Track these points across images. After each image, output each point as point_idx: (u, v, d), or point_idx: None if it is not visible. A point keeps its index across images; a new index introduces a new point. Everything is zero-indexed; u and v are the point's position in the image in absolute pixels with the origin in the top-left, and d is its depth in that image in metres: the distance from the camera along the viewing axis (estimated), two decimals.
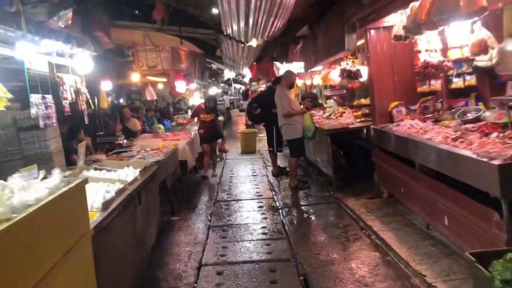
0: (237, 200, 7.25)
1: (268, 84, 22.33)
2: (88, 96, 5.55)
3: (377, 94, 6.08)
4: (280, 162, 9.56)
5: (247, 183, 8.51)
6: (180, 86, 8.66)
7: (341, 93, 9.84)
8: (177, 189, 7.52)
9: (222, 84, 34.60)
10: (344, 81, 7.96)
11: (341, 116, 8.23)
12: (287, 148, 8.26)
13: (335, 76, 7.73)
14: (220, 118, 16.80)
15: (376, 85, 6.07)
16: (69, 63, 4.88)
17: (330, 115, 8.77)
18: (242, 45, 6.34)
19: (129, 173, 4.93)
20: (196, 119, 9.67)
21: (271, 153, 9.15)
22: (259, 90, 32.50)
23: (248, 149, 12.88)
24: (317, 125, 7.42)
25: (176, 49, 8.34)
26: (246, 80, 15.90)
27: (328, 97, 10.43)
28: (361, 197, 6.39)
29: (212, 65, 14.95)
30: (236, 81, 20.22)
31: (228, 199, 7.35)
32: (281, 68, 12.96)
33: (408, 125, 5.31)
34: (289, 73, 7.68)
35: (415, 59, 5.89)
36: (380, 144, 5.80)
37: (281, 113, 7.44)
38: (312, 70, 10.49)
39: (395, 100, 6.04)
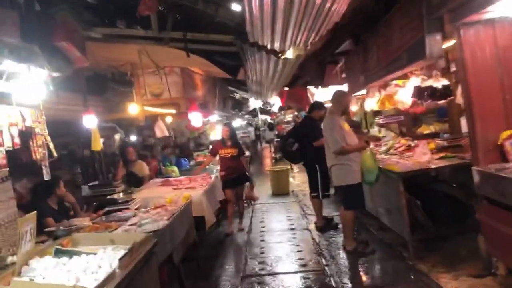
0: (274, 274, 5.20)
1: (301, 112, 20.47)
2: (49, 139, 3.71)
3: (478, 120, 4.05)
4: (324, 211, 7.51)
5: (285, 243, 6.46)
6: (196, 118, 6.83)
7: (399, 120, 7.83)
8: (191, 256, 5.57)
9: (247, 116, 33.00)
10: (419, 103, 5.91)
11: (407, 151, 6.19)
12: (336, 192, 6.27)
13: (405, 96, 5.72)
14: (246, 153, 14.98)
15: (477, 107, 4.04)
16: (6, 88, 3.09)
17: (388, 149, 6.74)
18: (275, 57, 4.50)
19: (103, 263, 3.01)
20: (217, 157, 7.82)
21: (314, 199, 7.12)
22: (285, 120, 30.63)
23: (280, 191, 10.88)
24: (382, 166, 5.40)
25: (189, 73, 6.58)
26: (275, 109, 14.00)
27: (381, 126, 8.40)
28: (459, 273, 4.27)
29: (236, 94, 13.19)
30: (263, 111, 18.35)
31: (261, 272, 5.32)
32: (316, 93, 11.04)
33: None
34: (341, 94, 5.73)
35: None
36: (492, 194, 3.74)
37: (333, 149, 5.47)
38: (357, 94, 8.56)
39: (508, 128, 4.01)
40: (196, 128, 10.21)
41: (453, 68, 5.50)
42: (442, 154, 5.38)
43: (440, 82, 4.92)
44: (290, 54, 4.40)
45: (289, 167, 11.34)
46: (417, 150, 5.30)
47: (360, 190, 5.49)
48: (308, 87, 10.83)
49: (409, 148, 6.29)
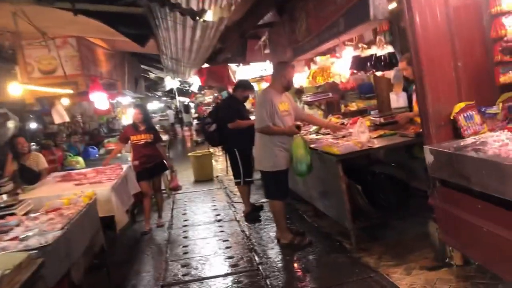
0: (200, 280, 4.44)
1: (223, 92, 19.55)
2: None
3: (430, 91, 3.53)
4: (252, 197, 6.87)
5: (211, 239, 5.71)
6: (100, 99, 5.74)
7: (328, 97, 7.33)
8: (100, 264, 4.62)
9: (165, 98, 31.39)
10: (360, 75, 5.34)
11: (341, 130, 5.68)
12: None
13: (342, 68, 5.11)
14: (164, 138, 13.87)
15: (428, 76, 3.52)
16: None
17: (319, 129, 6.21)
18: (193, 20, 3.63)
19: None
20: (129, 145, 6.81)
21: (239, 186, 6.46)
22: (205, 102, 29.53)
23: (204, 176, 10.07)
24: (318, 148, 4.80)
25: (88, 45, 5.46)
26: (194, 89, 12.99)
27: (308, 104, 7.86)
28: (411, 265, 3.80)
29: (150, 73, 12.02)
30: (181, 92, 17.18)
31: (185, 278, 4.51)
32: (238, 71, 10.32)
33: (501, 140, 2.89)
34: (282, 66, 4.97)
35: (495, 28, 3.47)
36: (449, 176, 3.27)
37: (256, 126, 4.79)
38: None
39: (461, 101, 3.56)
40: (103, 112, 8.98)
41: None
42: (381, 132, 4.91)
43: (384, 50, 4.39)
44: (210, 16, 3.57)
45: (212, 150, 10.54)
46: (355, 129, 4.76)
47: (283, 178, 4.85)
48: (229, 64, 10.06)
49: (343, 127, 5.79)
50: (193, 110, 35.06)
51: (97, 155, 9.50)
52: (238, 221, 6.31)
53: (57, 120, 6.66)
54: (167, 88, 11.69)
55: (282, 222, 4.95)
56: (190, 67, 7.84)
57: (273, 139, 4.73)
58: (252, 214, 6.26)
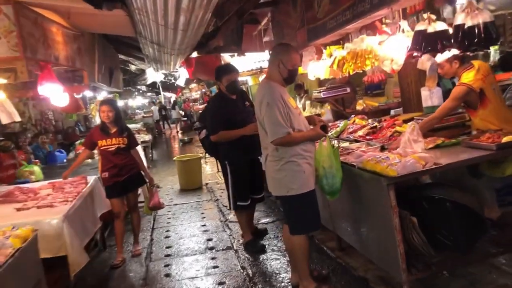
0: None
1: (212, 88, 17.90)
2: None
3: None
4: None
5: (202, 279, 4.30)
6: (53, 93, 4.23)
7: (345, 93, 5.96)
8: None
9: (150, 94, 29.74)
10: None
11: (373, 135, 4.34)
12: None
13: (397, 50, 3.66)
14: (147, 137, 12.38)
15: None
16: None
17: (340, 132, 4.86)
18: None
19: None
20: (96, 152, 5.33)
21: (237, 212, 5.05)
22: (192, 98, 27.94)
23: (191, 185, 8.65)
24: (353, 163, 3.43)
25: (35, 18, 3.92)
26: (181, 82, 11.44)
27: (321, 101, 6.47)
28: None
29: (129, 64, 10.50)
30: (166, 86, 15.57)
31: None
32: (231, 62, 8.89)
33: None
34: (283, 49, 3.49)
35: None
36: None
37: (272, 137, 3.35)
38: None
39: None
40: (68, 109, 7.50)
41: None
42: (438, 141, 3.57)
43: (475, 20, 3.00)
44: None
45: (200, 155, 9.10)
46: (404, 137, 3.40)
47: (313, 202, 3.47)
48: (221, 54, 8.63)
49: (374, 131, 4.44)
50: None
51: (65, 160, 8.02)
52: (236, 251, 4.91)
53: (4, 119, 5.16)
54: (149, 81, 10.16)
55: (304, 265, 3.55)
56: (176, 55, 6.40)
57: (294, 149, 3.35)
58: (254, 244, 4.87)
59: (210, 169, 10.50)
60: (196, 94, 26.98)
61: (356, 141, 4.40)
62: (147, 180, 5.32)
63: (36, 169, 5.58)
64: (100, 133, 5.01)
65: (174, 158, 8.94)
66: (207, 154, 7.30)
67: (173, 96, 33.34)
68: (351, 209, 3.70)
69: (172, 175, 10.24)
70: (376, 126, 4.49)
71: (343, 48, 4.74)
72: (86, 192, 4.59)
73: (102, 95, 10.50)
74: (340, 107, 6.44)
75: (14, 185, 5.24)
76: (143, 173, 5.31)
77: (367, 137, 4.36)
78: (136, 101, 27.04)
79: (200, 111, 21.29)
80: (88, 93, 7.20)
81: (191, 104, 26.32)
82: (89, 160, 6.65)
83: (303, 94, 10.16)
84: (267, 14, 6.85)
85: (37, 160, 8.96)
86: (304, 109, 9.64)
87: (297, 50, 3.63)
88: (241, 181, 4.71)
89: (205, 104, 21.58)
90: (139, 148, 9.21)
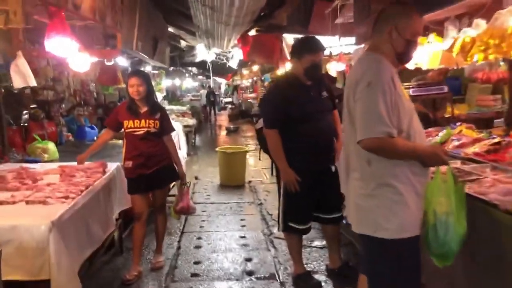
0: None
1: (265, 76, 16.59)
2: None
3: None
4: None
5: None
6: (67, 50, 3.18)
7: (442, 93, 4.63)
8: None
9: (200, 77, 28.98)
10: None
11: (496, 154, 3.04)
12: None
13: None
14: (191, 121, 11.41)
15: None
16: None
17: (441, 143, 3.54)
18: None
19: None
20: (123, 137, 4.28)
21: (287, 235, 3.82)
22: (244, 86, 26.80)
23: (233, 181, 7.55)
24: (489, 200, 2.16)
25: None
26: (234, 64, 10.26)
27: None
28: None
29: (180, 39, 9.49)
30: (217, 68, 14.36)
31: None
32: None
33: None
34: (402, 10, 2.24)
35: None
36: None
37: (361, 134, 2.08)
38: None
39: None
40: (104, 80, 6.56)
41: None
42: None
43: None
44: None
45: (245, 148, 7.97)
46: None
47: (414, 256, 2.21)
48: (283, 34, 7.40)
49: (496, 149, 3.12)
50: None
51: (95, 138, 7.13)
52: (282, 284, 3.74)
53: (17, 83, 4.21)
54: (198, 59, 9.07)
55: None
56: (232, 27, 5.25)
57: (397, 167, 2.12)
58: (307, 279, 3.66)
59: (254, 164, 9.36)
60: (246, 82, 25.93)
61: (472, 160, 3.10)
62: (179, 177, 4.23)
63: (51, 146, 4.63)
64: (127, 111, 3.96)
65: (217, 149, 7.86)
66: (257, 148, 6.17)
67: (223, 82, 32.49)
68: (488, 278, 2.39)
69: (213, 166, 9.20)
70: (500, 142, 3.16)
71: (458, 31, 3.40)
72: (99, 185, 3.56)
73: (146, 70, 9.59)
74: (427, 110, 5.10)
75: (23, 163, 4.33)
76: (175, 167, 4.23)
77: (488, 156, 3.05)
78: (185, 83, 26.28)
79: (251, 99, 20.20)
80: (123, 63, 6.15)
81: (241, 92, 25.31)
82: (120, 141, 5.68)
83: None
84: None
85: (69, 134, 8.20)
86: None
87: (420, 15, 2.34)
88: (298, 198, 3.48)
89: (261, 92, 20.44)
90: (179, 134, 8.26)
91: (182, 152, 9.19)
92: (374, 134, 2.07)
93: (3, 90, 5.24)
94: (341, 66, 6.40)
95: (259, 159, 4.22)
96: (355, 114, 2.20)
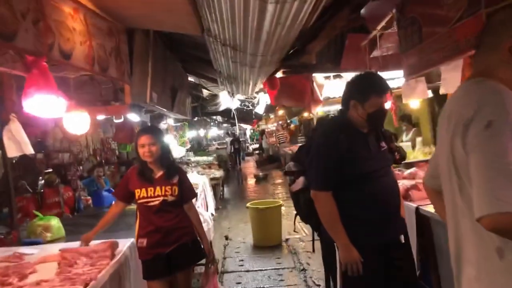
0: None
1: (293, 120, 15.69)
2: None
3: None
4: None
5: None
6: (51, 107, 2.49)
7: None
8: None
9: (225, 125, 28.61)
10: None
11: None
12: None
13: None
14: (218, 173, 10.67)
15: None
16: None
17: None
18: None
19: None
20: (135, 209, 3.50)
21: None
22: (269, 130, 26.12)
23: (267, 240, 6.67)
24: None
25: None
26: (260, 110, 9.53)
27: None
28: None
29: (203, 89, 8.94)
30: (242, 114, 13.75)
31: None
32: (326, 85, 6.98)
33: None
34: None
35: None
36: None
37: (487, 207, 1.27)
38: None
39: None
40: (122, 138, 5.95)
41: None
42: None
43: None
44: None
45: (280, 202, 7.12)
46: None
47: None
48: (313, 74, 6.72)
49: None
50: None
51: (113, 203, 6.44)
52: None
53: (11, 151, 3.54)
54: (222, 108, 8.44)
55: None
56: (258, 69, 4.57)
57: None
58: None
59: (287, 214, 8.46)
60: (272, 126, 25.33)
61: None
62: (205, 254, 3.42)
63: (54, 223, 3.90)
64: (138, 178, 3.24)
65: (248, 205, 7.03)
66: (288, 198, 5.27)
67: (248, 128, 32.01)
68: None
69: (244, 221, 8.37)
70: None
71: None
72: (106, 277, 2.78)
73: (168, 123, 9.03)
74: None
75: (19, 246, 3.63)
76: (200, 241, 3.43)
77: None
78: (210, 132, 25.90)
79: (282, 142, 19.27)
80: (140, 117, 5.52)
81: (268, 136, 24.65)
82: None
83: (410, 129, 7.97)
84: (384, 15, 4.84)
85: (88, 198, 7.57)
86: (413, 147, 7.47)
87: None
88: (362, 284, 2.59)
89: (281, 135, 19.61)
90: (206, 189, 7.50)
91: (210, 209, 8.42)
92: (507, 206, 1.24)
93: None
94: (387, 105, 5.58)
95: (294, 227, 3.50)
96: (466, 171, 1.39)
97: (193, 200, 3.51)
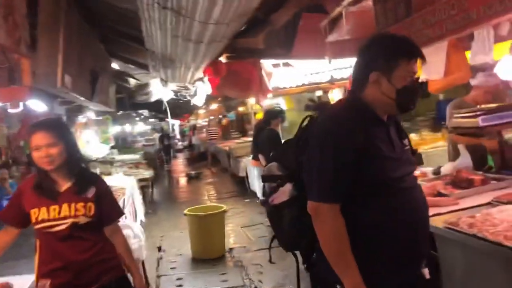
0: None
1: (230, 114, 14.67)
2: None
3: None
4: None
5: None
6: None
7: None
8: None
9: (152, 120, 26.89)
10: None
11: None
12: None
13: None
14: (146, 173, 9.45)
15: None
16: None
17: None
18: None
19: None
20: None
21: None
22: (200, 125, 24.83)
23: (209, 252, 5.71)
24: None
25: None
26: (199, 101, 8.27)
27: (478, 135, 3.61)
28: None
29: (127, 78, 7.72)
30: (176, 107, 12.40)
31: None
32: (275, 73, 6.16)
33: None
34: None
35: None
36: None
37: None
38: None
39: None
40: (24, 135, 4.74)
41: None
42: None
43: None
44: None
45: (224, 206, 6.19)
46: None
47: None
48: (261, 60, 5.86)
49: None
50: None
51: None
52: None
53: None
54: (153, 98, 7.25)
55: None
56: (207, 45, 3.56)
57: None
58: None
59: (231, 222, 7.55)
60: (203, 122, 24.21)
61: None
62: None
63: None
64: (34, 193, 2.18)
65: (185, 212, 6.01)
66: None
67: (176, 123, 30.39)
68: None
69: (179, 229, 7.33)
70: None
71: None
72: None
73: (89, 117, 7.74)
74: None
75: None
76: (130, 276, 2.43)
77: None
78: (137, 128, 24.25)
79: (212, 138, 17.98)
80: (53, 108, 4.30)
81: (195, 131, 23.45)
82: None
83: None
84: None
85: None
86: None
87: None
88: None
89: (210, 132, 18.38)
90: (133, 193, 6.47)
91: (139, 216, 7.31)
92: None
93: None
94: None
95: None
96: None
97: (120, 220, 2.51)
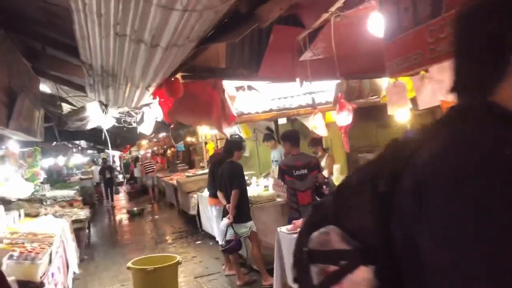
0: None
1: (179, 145, 13.61)
2: None
3: None
4: None
5: None
6: None
7: None
8: None
9: (91, 151, 24.97)
10: None
11: None
12: None
13: None
14: (82, 213, 8.05)
15: None
16: None
17: None
18: None
19: None
20: None
21: None
22: (146, 155, 23.04)
23: None
24: None
25: None
26: (146, 130, 7.04)
27: None
28: None
29: (62, 103, 6.53)
30: (119, 137, 11.00)
31: None
32: (239, 96, 5.34)
33: None
34: None
35: None
36: None
37: None
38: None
39: None
40: None
41: None
42: None
43: None
44: None
45: (177, 256, 5.11)
46: None
47: None
48: (223, 80, 4.99)
49: None
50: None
51: None
52: None
53: None
54: (90, 125, 6.06)
55: None
56: (161, 58, 2.64)
57: None
58: None
59: (183, 270, 6.42)
60: (145, 152, 22.76)
61: None
62: None
63: None
64: None
65: (129, 265, 4.86)
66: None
67: (116, 155, 28.44)
68: None
69: (121, 281, 6.15)
70: None
71: None
72: None
73: (11, 148, 6.45)
74: None
75: None
76: None
77: None
78: (74, 160, 22.38)
79: (148, 171, 16.42)
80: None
81: (138, 163, 21.83)
82: None
83: (321, 153, 6.77)
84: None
85: None
86: (330, 173, 6.34)
87: None
88: None
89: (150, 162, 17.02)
90: (64, 240, 5.47)
91: (72, 267, 6.10)
92: None
93: None
94: (346, 118, 4.13)
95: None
96: None
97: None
